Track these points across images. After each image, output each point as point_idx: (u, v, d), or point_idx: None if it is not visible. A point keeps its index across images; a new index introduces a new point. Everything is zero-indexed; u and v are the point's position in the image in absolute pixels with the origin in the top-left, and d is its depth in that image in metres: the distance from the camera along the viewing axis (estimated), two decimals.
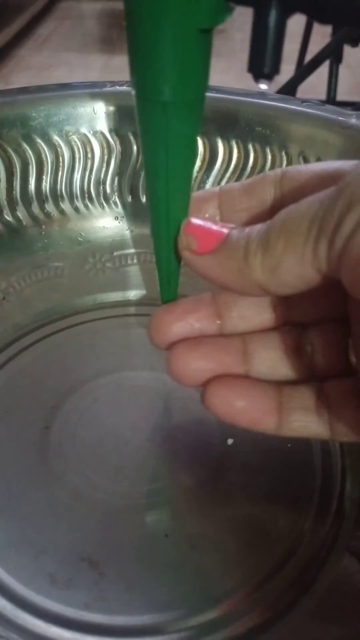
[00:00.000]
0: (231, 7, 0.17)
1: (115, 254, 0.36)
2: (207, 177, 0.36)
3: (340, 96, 0.57)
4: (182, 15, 0.16)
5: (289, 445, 0.25)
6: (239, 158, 0.36)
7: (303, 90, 0.55)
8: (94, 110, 0.36)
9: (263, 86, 0.18)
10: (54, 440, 0.25)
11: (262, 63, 0.17)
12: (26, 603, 0.20)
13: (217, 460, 0.25)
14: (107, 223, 0.37)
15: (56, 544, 0.22)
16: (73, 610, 0.20)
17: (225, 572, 0.21)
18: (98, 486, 0.24)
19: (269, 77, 0.17)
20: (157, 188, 0.20)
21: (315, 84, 0.55)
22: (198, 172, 0.37)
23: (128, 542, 0.22)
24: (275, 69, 0.17)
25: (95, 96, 0.36)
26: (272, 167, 0.35)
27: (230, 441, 0.25)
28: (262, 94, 0.35)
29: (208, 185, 0.36)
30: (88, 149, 0.36)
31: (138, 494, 0.23)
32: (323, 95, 0.56)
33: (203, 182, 0.37)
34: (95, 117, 0.36)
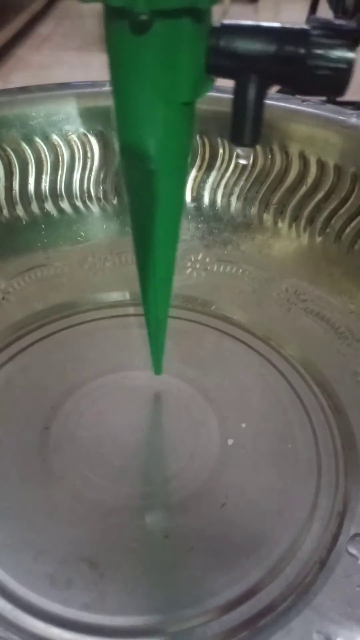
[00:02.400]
0: (212, 79, 0.17)
1: (115, 253, 0.36)
2: (207, 177, 0.36)
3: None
4: (166, 92, 0.17)
5: (290, 445, 0.25)
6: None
7: None
8: (94, 109, 0.36)
9: (242, 161, 0.19)
10: (54, 440, 0.25)
11: (242, 135, 0.17)
12: (26, 603, 0.20)
13: (217, 460, 0.25)
14: (107, 222, 0.37)
15: (56, 544, 0.22)
16: (72, 611, 0.20)
17: (225, 573, 0.21)
18: (98, 487, 0.24)
19: (249, 147, 0.18)
20: (144, 248, 0.21)
21: None
22: (198, 171, 0.37)
23: (128, 543, 0.22)
24: (255, 140, 0.18)
25: (95, 96, 0.36)
26: (272, 166, 0.35)
27: (230, 441, 0.25)
28: None
29: (208, 184, 0.36)
30: (88, 149, 0.36)
31: (138, 495, 0.23)
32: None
33: (203, 181, 0.37)
34: (95, 116, 0.36)
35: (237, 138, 0.17)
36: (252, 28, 0.16)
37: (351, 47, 0.16)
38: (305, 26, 0.16)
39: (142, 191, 0.19)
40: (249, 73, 0.16)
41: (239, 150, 0.18)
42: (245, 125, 0.17)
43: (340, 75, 0.16)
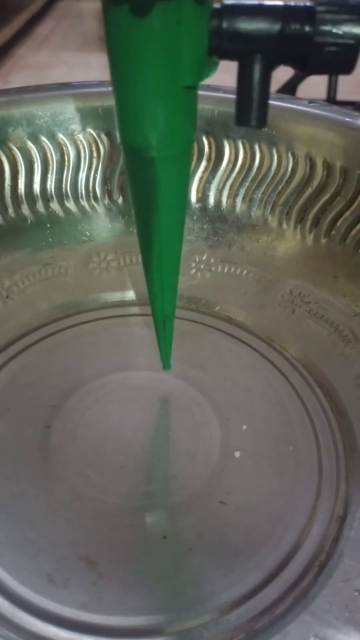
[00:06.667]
0: (215, 61, 0.17)
1: (119, 253, 0.36)
2: (213, 178, 0.36)
3: (340, 95, 0.56)
4: (167, 75, 0.16)
5: (291, 448, 0.25)
6: (244, 158, 0.36)
7: (303, 89, 0.54)
8: (100, 109, 0.36)
9: None
10: (55, 439, 0.25)
11: (249, 117, 0.17)
12: (23, 602, 0.20)
13: (217, 462, 0.25)
14: (112, 222, 0.37)
15: (54, 543, 0.22)
16: (70, 610, 0.20)
17: (224, 574, 0.21)
18: (98, 486, 0.24)
19: (256, 129, 0.17)
20: (149, 242, 0.21)
21: (316, 83, 0.55)
22: (204, 172, 0.36)
23: (126, 543, 0.22)
24: (263, 122, 0.17)
25: (101, 95, 0.36)
26: (278, 168, 0.35)
27: (231, 443, 0.25)
28: None
29: (214, 185, 0.36)
30: (94, 148, 0.36)
31: (138, 495, 0.23)
32: (323, 95, 0.55)
33: (209, 182, 0.36)
34: (101, 116, 0.36)
35: (243, 120, 0.17)
36: (255, 7, 0.16)
37: (358, 23, 0.15)
38: (309, 3, 0.15)
39: (146, 182, 0.19)
40: (253, 54, 0.16)
41: None
42: (252, 108, 0.16)
43: (348, 52, 0.15)
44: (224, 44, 0.16)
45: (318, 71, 0.16)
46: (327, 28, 0.15)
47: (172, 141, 0.18)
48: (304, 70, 0.16)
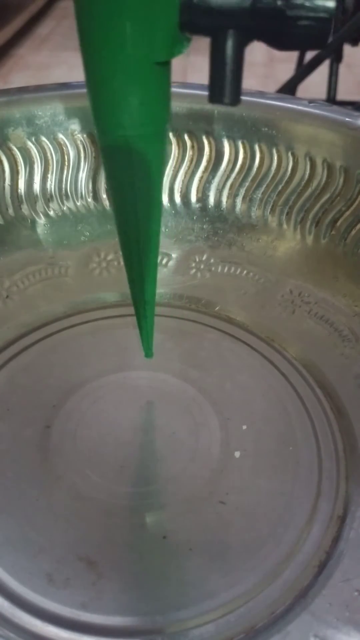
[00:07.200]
0: (188, 37, 0.17)
1: (119, 253, 0.35)
2: (213, 178, 0.36)
3: (341, 95, 0.56)
4: (138, 50, 0.16)
5: (291, 448, 0.25)
6: (244, 158, 0.36)
7: (303, 89, 0.54)
8: None
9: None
10: (55, 439, 0.25)
11: (222, 93, 0.17)
12: (23, 602, 0.20)
13: (217, 462, 0.25)
14: (112, 222, 0.37)
15: (54, 543, 0.22)
16: (70, 610, 0.20)
17: (224, 574, 0.21)
18: (98, 486, 0.24)
19: (230, 105, 0.17)
20: (127, 226, 0.21)
21: (316, 83, 0.55)
22: (204, 172, 0.36)
23: (126, 543, 0.22)
24: (236, 98, 0.17)
25: None
26: (278, 168, 0.35)
27: (231, 443, 0.25)
28: (267, 94, 0.35)
29: (214, 185, 0.36)
30: (94, 148, 0.36)
31: (138, 495, 0.23)
32: (323, 95, 0.55)
33: (209, 182, 0.36)
34: None
35: (216, 97, 0.17)
36: None
37: None
38: None
39: (123, 166, 0.19)
40: (225, 29, 0.16)
41: None
42: (225, 84, 0.16)
43: (322, 26, 0.15)
44: (195, 19, 0.16)
45: (292, 46, 0.16)
46: (299, 1, 0.15)
47: (145, 119, 0.18)
48: (277, 45, 0.16)
